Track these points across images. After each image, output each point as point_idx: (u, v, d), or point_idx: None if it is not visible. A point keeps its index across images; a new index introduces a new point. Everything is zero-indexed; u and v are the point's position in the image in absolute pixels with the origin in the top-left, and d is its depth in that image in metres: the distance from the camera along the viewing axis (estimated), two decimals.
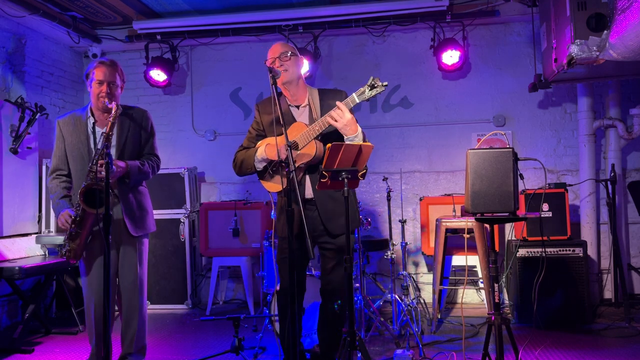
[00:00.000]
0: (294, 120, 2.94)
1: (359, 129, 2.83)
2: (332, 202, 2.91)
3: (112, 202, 3.02)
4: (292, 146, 2.73)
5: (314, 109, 2.98)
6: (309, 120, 2.95)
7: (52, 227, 5.14)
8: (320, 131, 2.80)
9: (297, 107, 2.99)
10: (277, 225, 3.03)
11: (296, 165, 2.80)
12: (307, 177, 2.92)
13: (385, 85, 2.76)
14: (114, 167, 2.87)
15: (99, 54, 5.75)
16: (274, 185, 2.99)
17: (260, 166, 2.96)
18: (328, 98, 3.00)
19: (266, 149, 2.91)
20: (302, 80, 3.02)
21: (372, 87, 2.75)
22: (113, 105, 2.91)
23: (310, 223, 2.86)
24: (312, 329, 3.61)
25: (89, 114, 3.09)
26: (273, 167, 2.96)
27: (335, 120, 2.74)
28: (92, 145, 3.03)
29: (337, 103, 2.75)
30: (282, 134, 2.60)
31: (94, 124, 3.07)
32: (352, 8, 5.14)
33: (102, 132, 3.03)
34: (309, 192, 2.92)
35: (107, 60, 3.09)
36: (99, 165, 2.85)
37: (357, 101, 2.76)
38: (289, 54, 2.92)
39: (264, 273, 4.33)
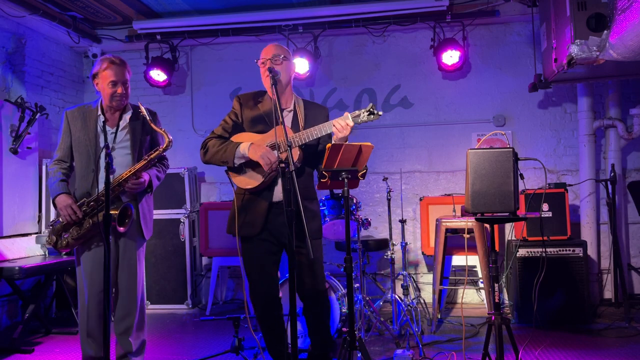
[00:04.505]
0: (278, 122, 2.91)
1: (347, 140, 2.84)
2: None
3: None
4: (275, 147, 2.73)
5: (300, 116, 2.95)
6: (292, 124, 2.93)
7: None
8: (313, 138, 2.77)
9: (282, 110, 2.94)
10: (237, 222, 2.88)
11: (274, 167, 2.76)
12: (279, 180, 2.83)
13: (380, 115, 2.79)
14: (140, 180, 3.00)
15: (99, 54, 5.75)
16: (247, 181, 2.87)
17: (238, 162, 2.83)
18: (312, 110, 3.01)
19: (250, 150, 2.78)
20: (290, 86, 2.98)
21: (371, 113, 2.76)
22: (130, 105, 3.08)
23: (279, 226, 2.81)
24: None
25: (99, 112, 3.07)
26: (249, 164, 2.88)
27: (338, 130, 2.72)
28: (100, 144, 3.02)
29: (345, 114, 2.75)
30: (279, 127, 2.57)
31: (104, 122, 3.07)
32: (352, 8, 5.14)
33: (112, 132, 3.04)
34: (277, 196, 2.84)
35: (116, 59, 3.03)
36: (130, 183, 2.95)
37: (351, 123, 2.74)
38: (281, 57, 2.88)
39: None
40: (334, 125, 2.73)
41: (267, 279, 2.92)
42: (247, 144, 2.82)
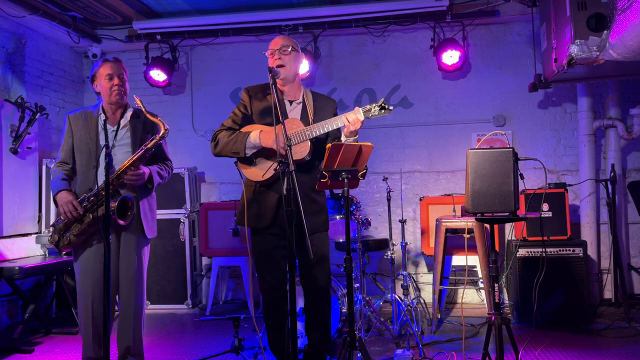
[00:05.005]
0: (286, 115, 2.91)
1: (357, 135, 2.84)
2: (306, 200, 2.81)
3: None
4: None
5: (309, 108, 2.95)
6: (301, 116, 2.92)
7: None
8: (324, 131, 2.76)
9: (291, 102, 2.96)
10: (246, 214, 2.87)
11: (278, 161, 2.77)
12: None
13: (391, 109, 2.77)
14: (139, 172, 2.98)
15: (99, 54, 5.75)
16: (257, 172, 2.88)
17: (250, 152, 2.84)
18: (321, 102, 3.01)
19: (261, 135, 2.80)
20: (298, 78, 2.99)
21: (382, 108, 2.75)
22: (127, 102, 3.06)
23: (284, 221, 2.77)
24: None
25: (101, 111, 3.11)
26: (258, 156, 2.89)
27: (350, 124, 2.71)
28: (101, 142, 3.03)
29: (356, 109, 2.74)
30: (279, 126, 2.56)
31: (105, 121, 3.09)
32: (352, 8, 5.15)
33: (113, 130, 3.05)
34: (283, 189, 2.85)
35: (111, 57, 3.13)
36: (129, 174, 2.93)
37: (362, 117, 2.73)
38: (289, 49, 2.88)
39: None
40: (346, 119, 2.73)
41: (277, 273, 2.90)
42: (257, 132, 2.82)
